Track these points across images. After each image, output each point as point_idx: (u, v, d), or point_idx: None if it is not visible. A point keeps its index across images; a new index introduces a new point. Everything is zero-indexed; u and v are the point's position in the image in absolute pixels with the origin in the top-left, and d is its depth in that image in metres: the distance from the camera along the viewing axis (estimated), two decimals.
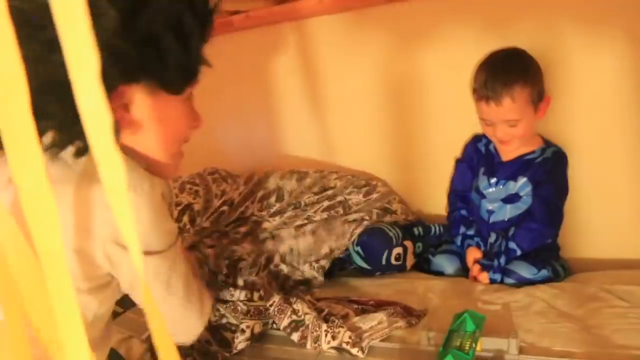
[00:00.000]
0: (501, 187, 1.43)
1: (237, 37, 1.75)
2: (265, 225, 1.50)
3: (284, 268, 1.39)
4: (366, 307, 1.21)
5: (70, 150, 0.74)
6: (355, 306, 1.21)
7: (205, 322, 0.94)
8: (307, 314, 1.13)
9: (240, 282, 1.28)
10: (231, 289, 1.23)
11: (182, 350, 1.05)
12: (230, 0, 1.63)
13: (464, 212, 1.52)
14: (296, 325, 1.12)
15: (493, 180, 1.45)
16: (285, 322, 1.13)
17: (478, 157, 1.51)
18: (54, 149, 0.73)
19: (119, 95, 0.74)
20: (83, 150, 0.73)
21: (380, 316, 1.12)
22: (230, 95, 1.86)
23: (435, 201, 1.65)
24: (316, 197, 1.54)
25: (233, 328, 1.14)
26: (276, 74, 1.80)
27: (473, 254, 1.43)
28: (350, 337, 1.06)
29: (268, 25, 1.72)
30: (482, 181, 1.47)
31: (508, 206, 1.42)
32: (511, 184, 1.42)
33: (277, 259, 1.41)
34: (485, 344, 0.99)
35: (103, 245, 0.75)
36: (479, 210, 1.48)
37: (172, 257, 0.83)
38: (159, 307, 0.81)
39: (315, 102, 1.78)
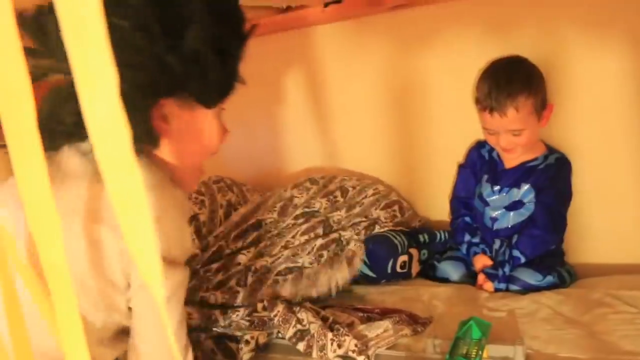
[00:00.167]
0: (504, 194, 1.43)
1: None
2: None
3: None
4: (372, 315, 1.20)
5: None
6: (361, 314, 1.21)
7: None
8: (312, 322, 1.13)
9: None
10: (229, 311, 1.22)
11: None
12: None
13: (467, 219, 1.51)
14: (302, 334, 1.12)
15: (496, 187, 1.45)
16: (291, 331, 1.13)
17: (481, 163, 1.51)
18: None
19: (160, 107, 0.78)
20: None
21: (386, 324, 1.12)
22: (233, 103, 1.86)
23: (439, 207, 1.65)
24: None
25: (237, 338, 1.14)
26: (280, 82, 1.81)
27: (482, 261, 1.42)
28: (356, 346, 1.05)
29: (271, 34, 1.72)
30: (486, 189, 1.47)
31: (511, 213, 1.42)
32: (514, 191, 1.42)
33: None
34: (492, 351, 0.99)
35: (119, 241, 0.74)
36: (482, 218, 1.48)
37: (180, 279, 0.80)
38: (147, 331, 0.79)
39: (319, 109, 1.79)
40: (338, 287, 1.34)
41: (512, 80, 1.32)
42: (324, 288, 1.32)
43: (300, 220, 1.51)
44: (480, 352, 0.95)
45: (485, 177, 1.48)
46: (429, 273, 1.50)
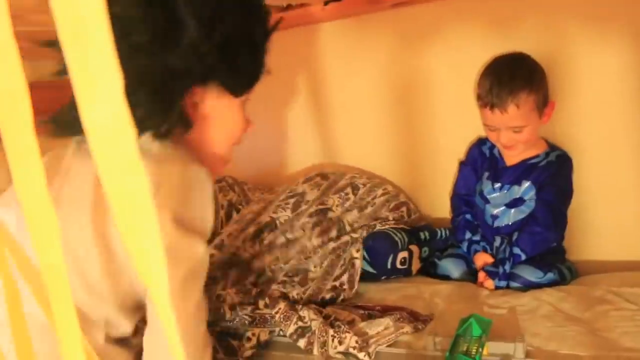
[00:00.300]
0: (505, 191, 1.43)
1: None
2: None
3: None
4: (372, 313, 1.20)
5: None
6: (362, 311, 1.21)
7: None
8: (313, 320, 1.13)
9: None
10: (238, 307, 1.23)
11: None
12: None
13: (468, 216, 1.51)
14: (302, 331, 1.12)
15: (497, 185, 1.45)
16: (292, 328, 1.13)
17: (482, 161, 1.51)
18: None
19: (192, 95, 0.84)
20: (162, 135, 0.81)
21: (387, 321, 1.12)
22: None
23: (440, 204, 1.65)
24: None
25: (239, 335, 1.14)
26: (279, 80, 1.81)
27: (483, 259, 1.42)
28: (357, 342, 1.06)
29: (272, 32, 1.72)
30: (486, 186, 1.47)
31: (512, 210, 1.42)
32: (515, 188, 1.42)
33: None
34: (492, 348, 0.99)
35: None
36: (483, 215, 1.48)
37: (199, 257, 0.80)
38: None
39: (319, 108, 1.79)
40: (344, 292, 1.34)
41: (513, 77, 1.32)
42: (327, 294, 1.33)
43: (314, 219, 1.51)
44: (480, 350, 0.95)
45: (486, 174, 1.48)
46: (429, 270, 1.50)
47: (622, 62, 1.36)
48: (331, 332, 1.09)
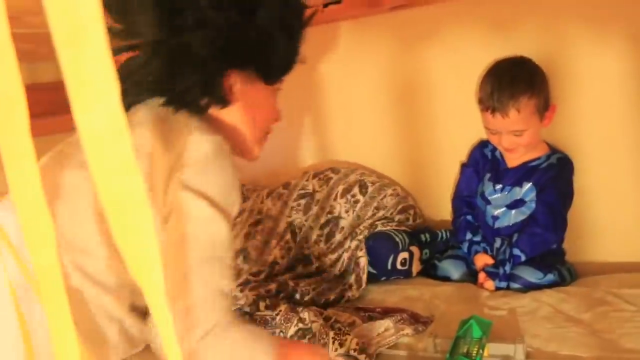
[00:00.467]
0: (506, 193, 1.43)
1: None
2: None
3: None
4: (373, 315, 1.21)
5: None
6: (362, 313, 1.21)
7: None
8: (314, 322, 1.13)
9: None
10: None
11: None
12: None
13: (469, 217, 1.51)
14: (303, 333, 1.12)
15: (498, 186, 1.45)
16: (292, 330, 1.13)
17: (484, 162, 1.51)
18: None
19: (227, 78, 0.87)
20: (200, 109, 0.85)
21: (387, 323, 1.12)
22: None
23: (441, 206, 1.65)
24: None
25: None
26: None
27: (483, 260, 1.42)
28: (357, 344, 1.06)
29: None
30: (488, 187, 1.47)
31: (513, 211, 1.42)
32: (516, 190, 1.42)
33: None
34: (492, 349, 0.99)
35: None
36: (484, 216, 1.48)
37: (222, 237, 0.76)
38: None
39: (318, 110, 1.79)
40: (350, 292, 1.35)
41: (514, 81, 1.32)
42: (332, 295, 1.33)
43: (326, 230, 1.54)
44: (480, 351, 0.95)
45: (488, 175, 1.48)
46: (430, 272, 1.50)
47: (622, 64, 1.36)
48: (332, 334, 1.09)
